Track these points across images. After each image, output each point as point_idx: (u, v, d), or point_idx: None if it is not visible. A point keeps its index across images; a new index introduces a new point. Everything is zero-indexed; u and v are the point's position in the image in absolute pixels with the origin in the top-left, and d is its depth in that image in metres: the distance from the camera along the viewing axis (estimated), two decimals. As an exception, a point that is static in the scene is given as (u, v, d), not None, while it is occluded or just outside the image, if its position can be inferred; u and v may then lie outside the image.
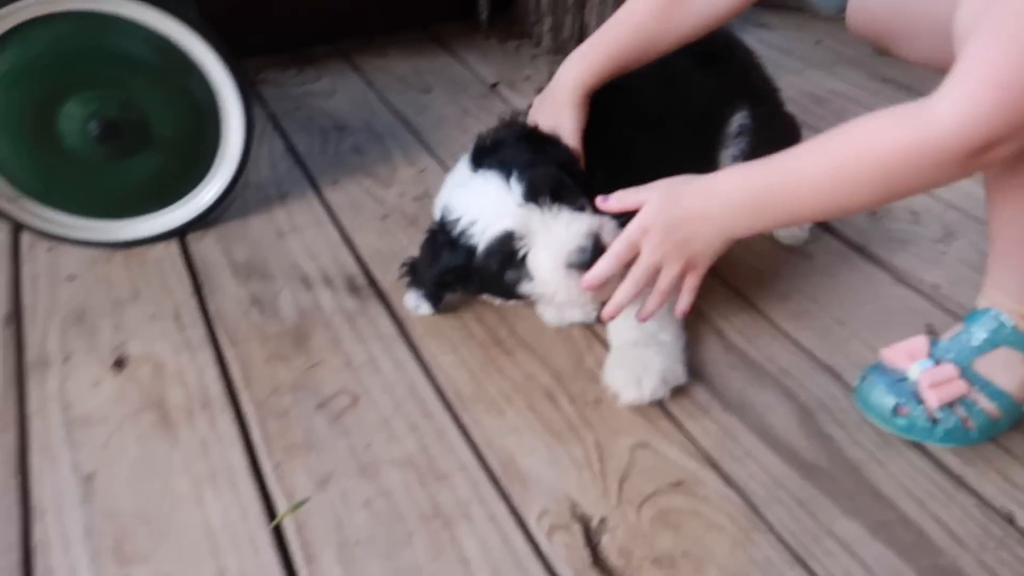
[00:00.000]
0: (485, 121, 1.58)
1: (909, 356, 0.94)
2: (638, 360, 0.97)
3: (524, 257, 0.94)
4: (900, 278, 1.18)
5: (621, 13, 1.03)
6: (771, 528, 0.83)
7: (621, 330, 1.01)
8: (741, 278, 1.18)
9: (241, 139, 1.21)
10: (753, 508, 0.85)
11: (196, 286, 1.16)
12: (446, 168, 1.44)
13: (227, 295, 1.14)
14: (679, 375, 0.98)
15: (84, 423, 0.94)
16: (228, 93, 1.19)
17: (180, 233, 1.25)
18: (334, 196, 1.37)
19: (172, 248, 1.24)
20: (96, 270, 1.19)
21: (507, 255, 0.94)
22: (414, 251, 1.22)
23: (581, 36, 1.79)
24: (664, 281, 0.90)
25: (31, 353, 1.04)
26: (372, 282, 1.17)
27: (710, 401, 0.98)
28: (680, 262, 0.89)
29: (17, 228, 1.23)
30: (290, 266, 1.20)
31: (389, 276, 1.18)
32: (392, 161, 1.46)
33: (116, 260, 1.21)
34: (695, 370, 1.01)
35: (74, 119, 1.11)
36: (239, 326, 1.09)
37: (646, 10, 1.01)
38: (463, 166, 1.03)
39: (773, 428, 0.94)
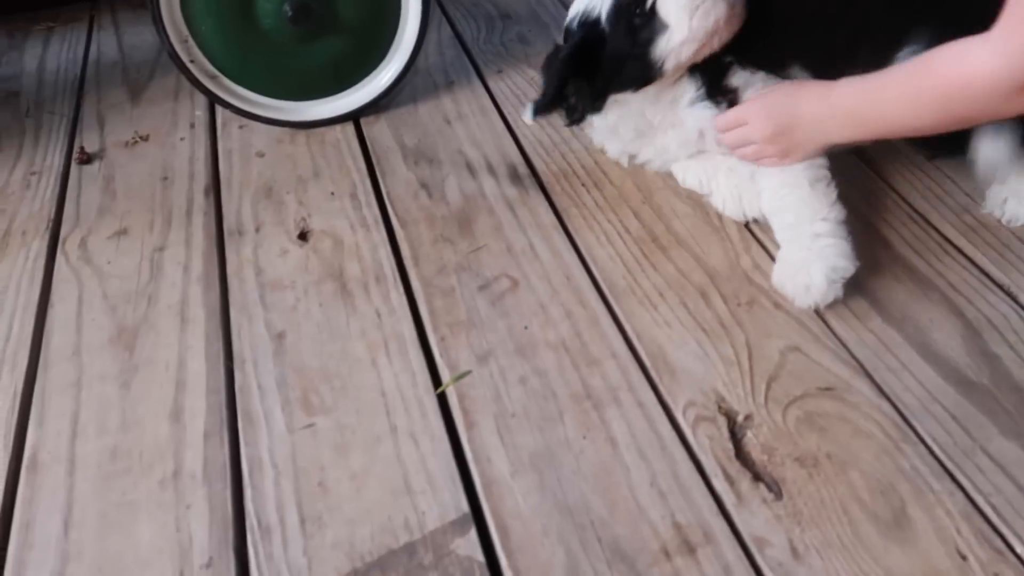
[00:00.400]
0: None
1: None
2: (801, 264, 0.96)
3: (652, 6, 0.95)
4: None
5: None
6: (921, 440, 0.83)
7: (775, 216, 1.01)
8: (912, 187, 1.12)
9: (417, 26, 1.25)
10: (904, 419, 0.85)
11: (370, 168, 1.24)
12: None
13: (398, 178, 1.21)
14: (846, 267, 0.95)
15: (274, 287, 1.05)
16: (407, -22, 1.22)
17: (355, 116, 1.33)
18: (498, 85, 1.39)
19: (348, 131, 1.32)
20: (281, 149, 1.29)
21: (633, 4, 0.95)
22: (575, 143, 1.25)
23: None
24: (754, 156, 1.01)
25: (228, 221, 1.16)
26: (533, 172, 1.21)
27: (868, 311, 0.96)
28: (777, 150, 0.98)
29: (213, 105, 1.34)
30: (456, 152, 1.25)
31: (551, 166, 1.21)
32: (556, 51, 1.46)
33: (299, 140, 1.30)
34: (856, 280, 0.99)
35: (271, 1, 1.19)
36: (409, 208, 1.16)
37: None
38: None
39: (935, 343, 0.92)
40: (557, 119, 1.28)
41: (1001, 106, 0.79)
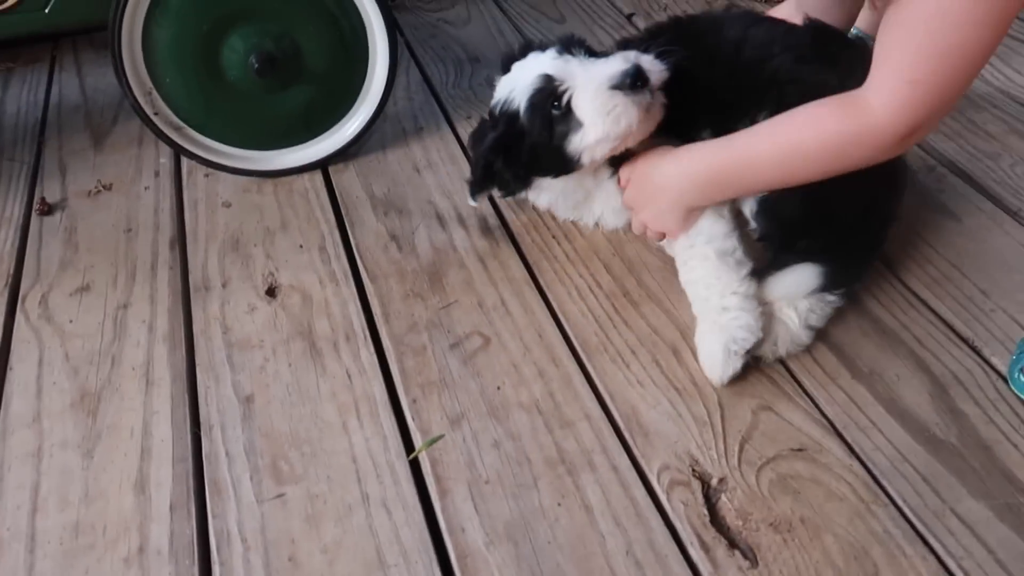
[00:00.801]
0: (619, 55, 1.56)
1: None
2: (707, 337, 0.96)
3: (568, 104, 0.95)
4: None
5: None
6: (893, 501, 0.83)
7: (688, 288, 1.01)
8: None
9: (385, 75, 1.25)
10: (875, 479, 0.85)
11: (339, 218, 1.23)
12: (578, 105, 1.43)
13: (367, 229, 1.20)
14: (746, 339, 0.94)
15: (242, 346, 1.03)
16: (377, 31, 1.22)
17: (324, 165, 1.32)
18: (467, 132, 1.38)
19: (317, 179, 1.30)
20: (248, 198, 1.27)
21: (549, 99, 0.95)
22: (545, 193, 1.25)
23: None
24: (639, 230, 1.07)
25: (194, 276, 1.14)
26: (503, 223, 1.21)
27: (838, 367, 0.97)
28: (656, 228, 1.03)
29: (178, 155, 1.32)
30: (426, 202, 1.25)
31: (521, 217, 1.21)
32: (525, 96, 1.47)
33: (266, 189, 1.29)
34: (824, 334, 1.00)
35: (237, 52, 1.18)
36: (379, 261, 1.15)
37: None
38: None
39: (903, 400, 0.93)
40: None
41: (891, 153, 0.88)
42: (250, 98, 1.22)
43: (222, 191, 1.29)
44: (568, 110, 0.96)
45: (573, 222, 1.19)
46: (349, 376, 0.99)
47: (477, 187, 1.06)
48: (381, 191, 1.27)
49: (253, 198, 1.27)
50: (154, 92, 1.19)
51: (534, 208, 1.20)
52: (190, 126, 1.23)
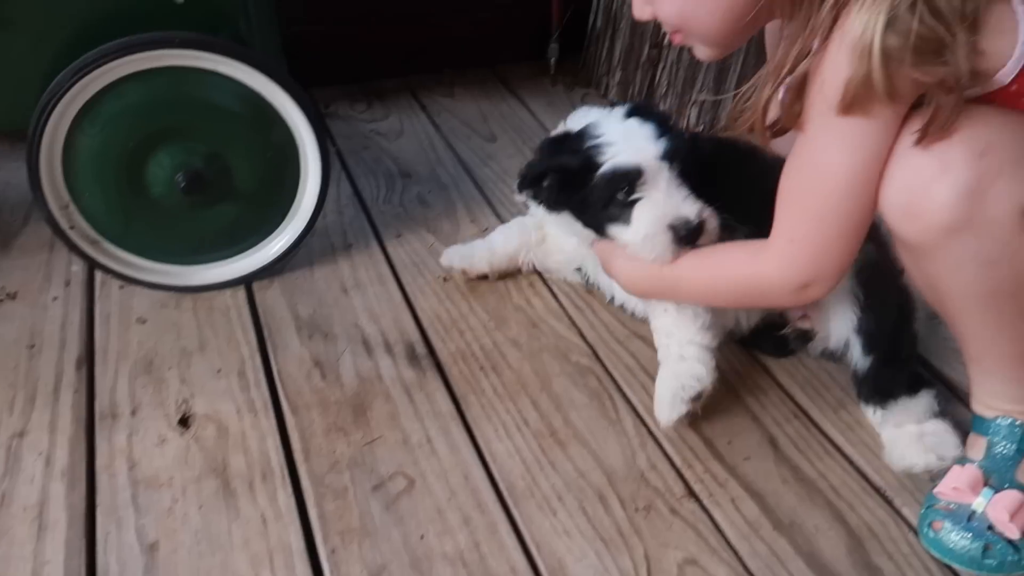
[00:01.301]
0: (549, 178, 1.60)
1: (971, 489, 0.95)
2: (660, 382, 1.06)
3: (633, 201, 1.02)
4: (954, 391, 1.17)
5: None
6: (814, 666, 0.84)
7: (655, 334, 1.10)
8: (797, 381, 1.18)
9: (316, 194, 1.23)
10: (797, 642, 0.86)
11: (261, 341, 1.19)
12: (508, 229, 1.45)
13: (290, 353, 1.17)
14: (692, 387, 1.03)
15: (149, 485, 0.97)
16: (310, 150, 1.21)
17: (248, 281, 1.28)
18: (397, 251, 1.39)
19: (239, 296, 1.27)
20: (165, 315, 1.22)
21: (624, 186, 1.02)
22: (472, 320, 1.25)
23: (650, 94, 1.79)
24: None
25: (101, 401, 1.08)
26: (431, 351, 1.19)
27: (760, 517, 0.98)
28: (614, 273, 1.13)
29: (92, 266, 1.26)
30: (352, 326, 1.22)
31: (449, 345, 1.20)
32: (455, 216, 1.48)
33: (184, 305, 1.24)
34: (749, 484, 1.02)
35: (164, 168, 1.15)
36: (301, 389, 1.11)
37: None
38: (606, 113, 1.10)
39: (822, 554, 0.95)
40: (457, 295, 1.30)
41: (787, 300, 0.99)
42: (174, 214, 1.19)
43: (137, 305, 1.24)
44: (629, 204, 1.03)
45: (502, 353, 1.19)
46: (264, 521, 0.94)
47: (525, 184, 1.13)
48: (307, 312, 1.25)
49: (170, 314, 1.22)
50: (71, 205, 1.14)
51: (463, 336, 1.19)
52: (107, 240, 1.19)
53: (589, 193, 1.05)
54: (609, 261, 1.11)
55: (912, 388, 1.08)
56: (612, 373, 1.17)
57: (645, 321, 1.25)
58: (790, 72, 0.85)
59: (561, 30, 1.93)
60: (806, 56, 0.83)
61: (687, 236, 1.01)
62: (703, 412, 1.08)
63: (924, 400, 1.07)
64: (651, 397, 1.12)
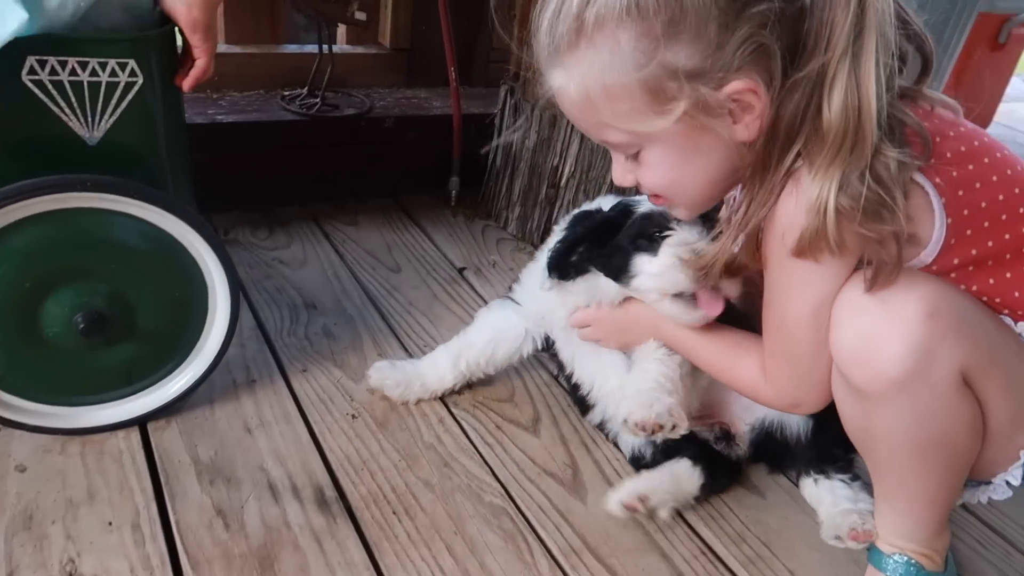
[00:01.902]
0: (453, 310, 1.63)
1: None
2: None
3: (664, 236, 1.12)
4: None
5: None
6: None
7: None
8: (699, 514, 1.22)
9: (222, 337, 1.20)
10: None
11: (157, 488, 1.12)
12: (416, 363, 1.46)
13: (190, 502, 1.11)
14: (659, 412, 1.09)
15: (29, 661, 0.88)
16: (219, 292, 1.18)
17: (143, 422, 1.21)
18: (303, 387, 1.36)
19: (133, 439, 1.19)
20: (49, 461, 1.14)
21: (658, 226, 1.12)
22: (383, 460, 1.24)
23: (547, 230, 1.87)
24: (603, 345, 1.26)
25: (-28, 564, 0.98)
26: (341, 495, 1.16)
27: (677, 662, 0.99)
28: (613, 344, 1.25)
29: (-34, 406, 1.17)
30: (257, 469, 1.18)
31: (360, 488, 1.17)
32: (362, 350, 1.47)
33: (72, 449, 1.16)
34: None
35: (62, 308, 1.09)
36: (202, 542, 1.05)
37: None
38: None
39: None
40: (367, 433, 1.28)
41: (789, 411, 1.12)
42: (66, 354, 1.12)
43: (16, 450, 1.14)
44: (659, 239, 1.12)
45: (415, 496, 1.17)
46: None
47: (562, 259, 1.20)
48: (207, 454, 1.19)
49: (55, 461, 1.14)
50: (-53, 342, 1.06)
51: (373, 477, 1.17)
52: (-15, 379, 1.10)
53: (623, 234, 1.16)
54: (622, 326, 1.21)
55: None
56: (525, 513, 1.17)
57: (565, 445, 1.28)
58: (753, 227, 0.95)
59: (461, 165, 2.01)
60: (767, 208, 0.93)
61: (687, 304, 1.11)
62: (616, 555, 1.10)
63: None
64: (565, 538, 1.14)
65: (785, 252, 0.92)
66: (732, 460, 1.28)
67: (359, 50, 2.12)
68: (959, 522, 1.26)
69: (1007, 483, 1.02)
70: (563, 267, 1.21)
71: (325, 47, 1.88)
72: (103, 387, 1.18)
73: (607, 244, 1.17)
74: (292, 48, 2.04)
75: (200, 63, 1.11)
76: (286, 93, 1.94)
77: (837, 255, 0.90)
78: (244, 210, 1.86)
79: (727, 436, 1.29)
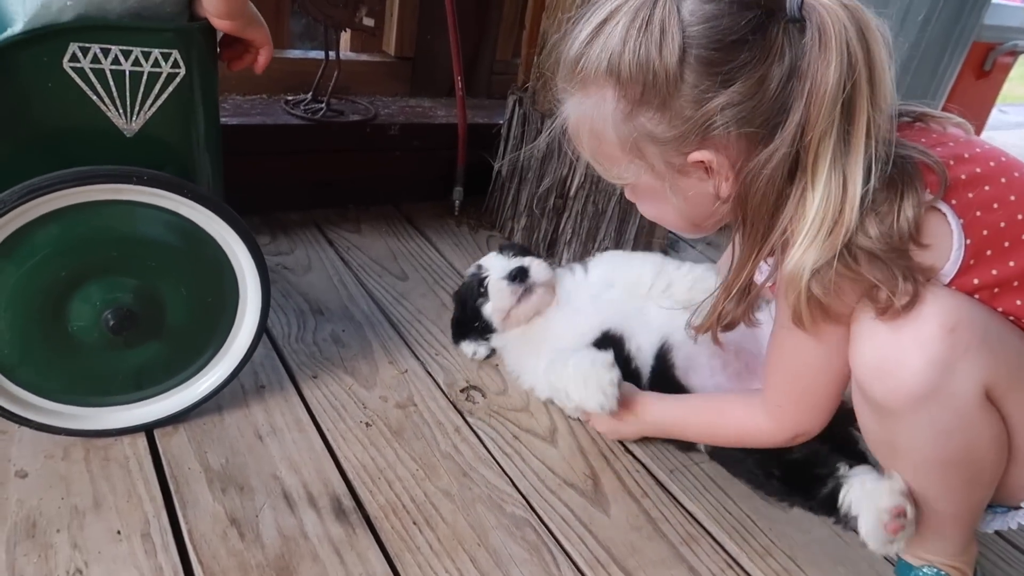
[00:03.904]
0: (463, 319, 1.59)
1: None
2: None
3: (485, 286, 1.41)
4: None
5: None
6: None
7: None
8: (724, 527, 1.19)
9: (250, 339, 1.16)
10: None
11: (167, 496, 1.07)
12: (428, 370, 1.42)
13: (202, 510, 1.05)
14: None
15: (37, 676, 0.82)
16: (251, 294, 1.15)
17: (152, 428, 1.16)
18: (314, 393, 1.31)
19: (139, 445, 1.14)
20: (52, 467, 1.08)
21: (484, 277, 1.42)
22: (400, 469, 1.20)
23: (554, 241, 1.85)
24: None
25: (-28, 574, 0.92)
26: (359, 504, 1.11)
27: None
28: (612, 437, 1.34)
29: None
30: (271, 477, 1.13)
31: (378, 498, 1.13)
32: (373, 357, 1.43)
33: (75, 455, 1.10)
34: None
35: (91, 304, 1.04)
36: (217, 552, 1.00)
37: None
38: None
39: None
40: (381, 441, 1.24)
41: (782, 445, 1.10)
42: (88, 351, 1.07)
43: (17, 455, 1.08)
44: (484, 293, 1.41)
45: (434, 506, 1.13)
46: None
47: (456, 329, 1.51)
48: (218, 462, 1.14)
49: (57, 467, 1.08)
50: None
51: (391, 487, 1.13)
52: (-5, 366, 1.04)
53: (471, 300, 1.44)
54: (622, 429, 1.29)
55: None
56: (548, 525, 1.14)
57: (584, 456, 1.25)
58: (742, 285, 0.99)
59: (465, 175, 1.98)
60: (753, 271, 0.96)
61: (516, 275, 1.36)
62: (643, 568, 1.07)
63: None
64: (590, 550, 1.10)
65: (786, 314, 0.93)
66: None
67: (363, 57, 2.09)
68: (980, 538, 1.24)
69: None
70: (468, 341, 1.47)
71: (331, 53, 1.85)
72: (122, 388, 1.13)
73: (468, 311, 1.44)
74: (296, 53, 2.00)
75: (263, 52, 1.15)
76: (290, 98, 1.91)
77: (829, 323, 0.91)
78: (244, 213, 1.80)
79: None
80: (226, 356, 1.17)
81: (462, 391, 1.39)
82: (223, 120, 1.72)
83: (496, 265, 1.41)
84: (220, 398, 1.25)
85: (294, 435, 1.22)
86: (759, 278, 0.98)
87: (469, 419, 1.32)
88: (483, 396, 1.38)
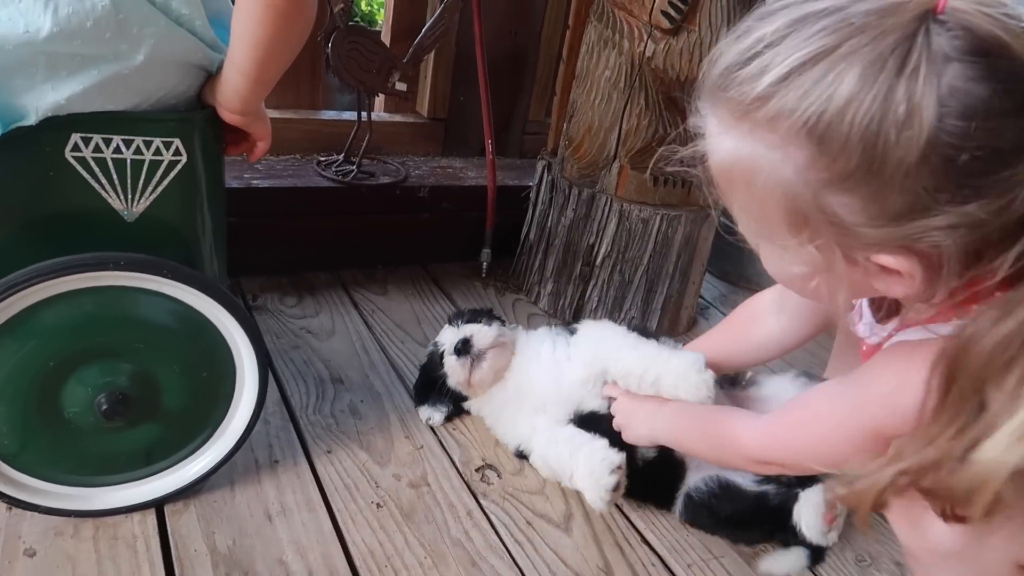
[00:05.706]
0: (484, 390, 1.57)
1: None
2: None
3: (441, 360, 1.42)
4: None
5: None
6: None
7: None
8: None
9: (247, 419, 1.15)
10: None
11: (171, 580, 1.06)
12: (444, 446, 1.40)
13: (204, 598, 1.04)
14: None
15: None
16: (248, 373, 1.14)
17: (160, 504, 1.16)
18: (327, 470, 1.30)
19: (148, 523, 1.14)
20: (60, 545, 1.08)
21: (437, 357, 1.43)
22: (408, 556, 1.17)
23: (579, 308, 1.83)
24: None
25: (-28, 661, 0.92)
26: (363, 595, 1.09)
27: None
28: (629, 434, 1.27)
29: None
30: (276, 563, 1.11)
31: (382, 587, 1.11)
32: (389, 431, 1.41)
33: (84, 534, 1.10)
34: None
35: (85, 388, 1.04)
36: (215, 646, 0.99)
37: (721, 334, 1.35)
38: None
39: None
40: (391, 525, 1.22)
41: (749, 466, 1.08)
42: (85, 435, 1.07)
43: (27, 533, 1.09)
44: (442, 368, 1.42)
45: None
46: None
47: (416, 394, 1.51)
48: (225, 543, 1.13)
49: (66, 545, 1.08)
50: (-38, 417, 1.02)
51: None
52: (-2, 458, 1.05)
53: (432, 376, 1.45)
54: (630, 423, 1.26)
55: None
56: (558, 623, 1.10)
57: (598, 546, 1.21)
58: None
59: (494, 237, 1.98)
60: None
61: (461, 348, 1.36)
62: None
63: None
64: (601, 655, 1.06)
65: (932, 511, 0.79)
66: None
67: (397, 118, 2.11)
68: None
69: None
70: (426, 406, 1.47)
71: (364, 115, 1.87)
72: (123, 468, 1.13)
73: (436, 384, 1.44)
74: (330, 115, 2.03)
75: (261, 146, 1.14)
76: (322, 159, 1.93)
77: None
78: (272, 274, 1.83)
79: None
80: (224, 434, 1.17)
81: (477, 470, 1.36)
82: (255, 183, 1.76)
83: (448, 339, 1.41)
84: (233, 472, 1.24)
85: (304, 516, 1.20)
86: (863, 332, 0.89)
87: (482, 501, 1.29)
88: (498, 476, 1.36)
